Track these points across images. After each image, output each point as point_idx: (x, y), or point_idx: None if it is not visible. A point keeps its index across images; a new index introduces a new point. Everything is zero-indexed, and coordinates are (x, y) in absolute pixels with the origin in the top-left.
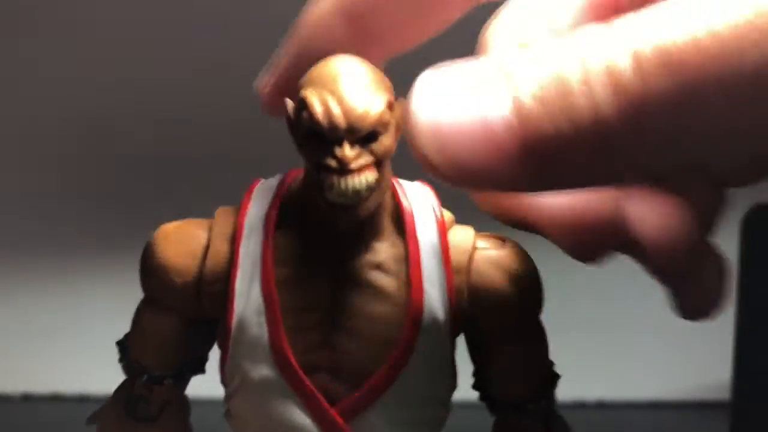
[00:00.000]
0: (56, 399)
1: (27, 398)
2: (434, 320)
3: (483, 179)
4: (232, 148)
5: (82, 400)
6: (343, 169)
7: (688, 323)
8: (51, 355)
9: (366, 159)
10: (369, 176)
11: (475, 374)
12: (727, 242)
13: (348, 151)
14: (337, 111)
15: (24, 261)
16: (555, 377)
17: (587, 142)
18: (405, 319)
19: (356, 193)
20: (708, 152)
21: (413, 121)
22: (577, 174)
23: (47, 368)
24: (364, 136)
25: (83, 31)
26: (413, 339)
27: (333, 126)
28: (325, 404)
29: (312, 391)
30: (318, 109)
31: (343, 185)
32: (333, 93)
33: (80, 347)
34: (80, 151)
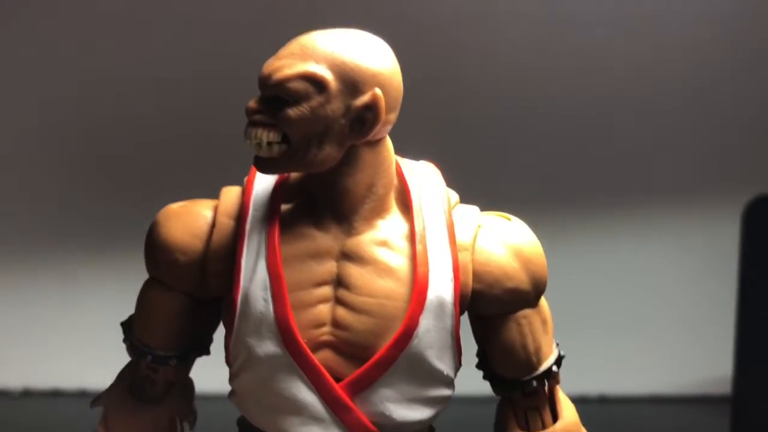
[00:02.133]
0: (56, 394)
1: (27, 393)
2: (439, 297)
3: None
4: (231, 142)
5: (82, 395)
6: (247, 117)
7: (689, 319)
8: (51, 350)
9: (262, 118)
10: (263, 134)
11: (479, 353)
12: (729, 234)
13: (252, 103)
14: (263, 67)
15: (24, 259)
16: (559, 357)
17: None
18: (410, 295)
19: (256, 144)
20: None
21: None
22: None
23: (47, 364)
24: (271, 97)
25: (83, 31)
26: (418, 315)
27: (258, 78)
28: (330, 380)
29: (317, 367)
30: None
31: (246, 132)
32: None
33: (80, 343)
34: (78, 150)
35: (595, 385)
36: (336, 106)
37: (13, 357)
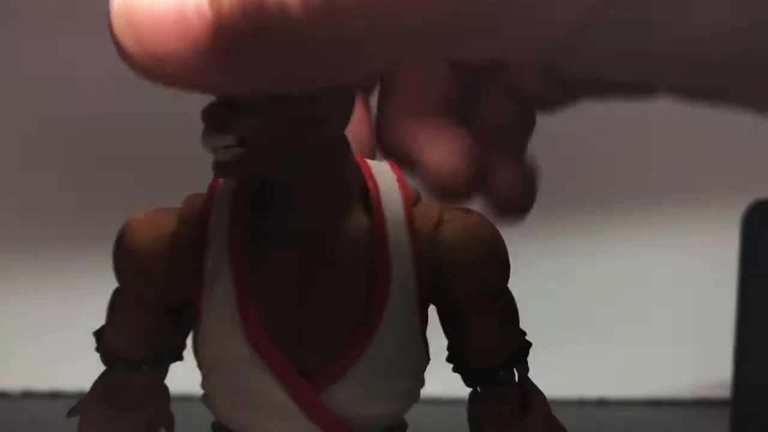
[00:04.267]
0: (55, 396)
1: (27, 395)
2: (401, 291)
3: (178, 72)
4: None
5: (81, 396)
6: (204, 122)
7: (688, 322)
8: (50, 352)
9: (221, 123)
10: (218, 139)
11: (448, 347)
12: (728, 238)
13: (212, 108)
14: None
15: (23, 259)
16: (527, 346)
17: (278, 40)
18: (371, 291)
19: (212, 149)
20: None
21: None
22: (270, 72)
23: (47, 365)
24: (228, 100)
25: (83, 31)
26: (380, 310)
27: None
28: (298, 376)
29: (284, 364)
30: None
31: (202, 138)
32: None
33: (79, 345)
34: (79, 150)
35: (594, 389)
36: None
37: (12, 358)
